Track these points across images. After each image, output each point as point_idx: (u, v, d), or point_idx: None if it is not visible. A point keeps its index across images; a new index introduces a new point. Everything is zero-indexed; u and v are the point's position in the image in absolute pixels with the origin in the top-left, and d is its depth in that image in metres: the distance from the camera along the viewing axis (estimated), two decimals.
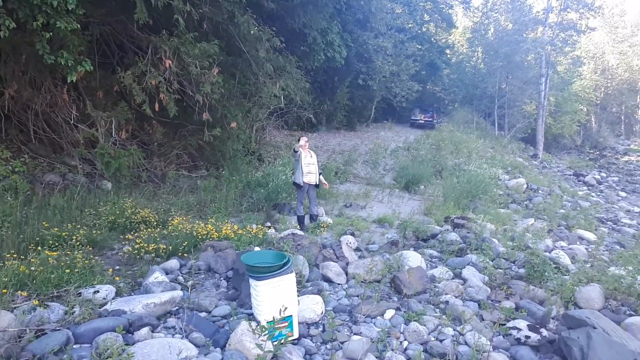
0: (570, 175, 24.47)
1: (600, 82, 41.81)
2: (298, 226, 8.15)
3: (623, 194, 20.28)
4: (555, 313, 4.98)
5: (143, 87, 9.04)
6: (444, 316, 4.71)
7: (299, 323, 4.09)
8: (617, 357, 3.71)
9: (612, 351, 3.74)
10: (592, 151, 35.59)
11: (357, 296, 5.16)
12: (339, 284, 5.60)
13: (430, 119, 28.15)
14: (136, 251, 5.80)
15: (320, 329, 4.30)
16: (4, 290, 4.02)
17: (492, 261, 6.54)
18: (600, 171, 26.90)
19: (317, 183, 8.29)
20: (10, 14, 6.59)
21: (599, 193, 19.95)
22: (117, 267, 5.53)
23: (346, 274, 5.81)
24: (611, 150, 36.46)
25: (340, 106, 22.59)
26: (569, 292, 5.42)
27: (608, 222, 13.08)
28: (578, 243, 9.61)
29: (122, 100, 10.03)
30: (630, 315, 5.00)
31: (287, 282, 3.89)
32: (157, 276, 4.88)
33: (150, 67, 9.11)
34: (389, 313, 4.70)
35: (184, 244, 6.12)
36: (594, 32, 34.92)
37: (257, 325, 3.49)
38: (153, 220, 7.22)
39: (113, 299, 4.41)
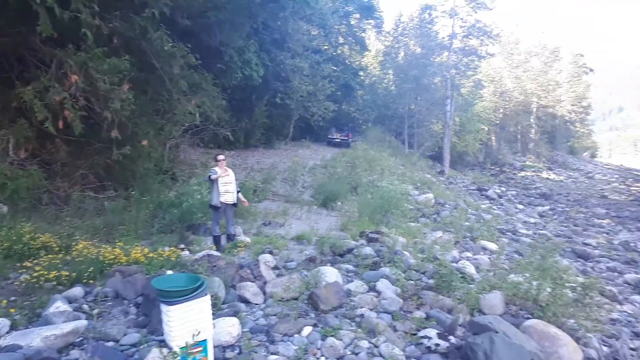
0: (474, 190, 26.13)
1: (499, 103, 45.87)
2: (214, 247, 7.96)
3: (520, 206, 22.15)
4: (462, 320, 5.25)
5: (46, 103, 8.43)
6: (359, 329, 4.84)
7: (215, 347, 4.02)
8: (516, 358, 4.06)
9: (512, 353, 4.08)
10: (493, 167, 38.69)
11: (275, 315, 5.14)
12: (256, 304, 5.55)
13: (346, 138, 28.96)
14: (35, 279, 5.36)
15: (237, 351, 4.24)
16: None
17: (404, 273, 6.75)
18: (501, 186, 29.24)
19: (235, 202, 8.17)
20: None
21: (499, 206, 21.48)
22: (13, 298, 5.08)
23: (264, 293, 5.78)
24: (509, 166, 39.94)
25: (258, 124, 22.61)
26: (474, 300, 5.79)
27: (508, 233, 14.06)
28: (482, 253, 10.17)
29: (22, 117, 9.28)
30: (528, 318, 5.46)
31: (201, 305, 3.79)
32: (58, 306, 4.57)
33: (54, 82, 8.55)
34: (307, 330, 4.74)
35: (89, 270, 5.74)
36: (493, 58, 38.23)
37: (169, 352, 3.38)
38: (55, 245, 6.72)
39: (7, 333, 4.08)
